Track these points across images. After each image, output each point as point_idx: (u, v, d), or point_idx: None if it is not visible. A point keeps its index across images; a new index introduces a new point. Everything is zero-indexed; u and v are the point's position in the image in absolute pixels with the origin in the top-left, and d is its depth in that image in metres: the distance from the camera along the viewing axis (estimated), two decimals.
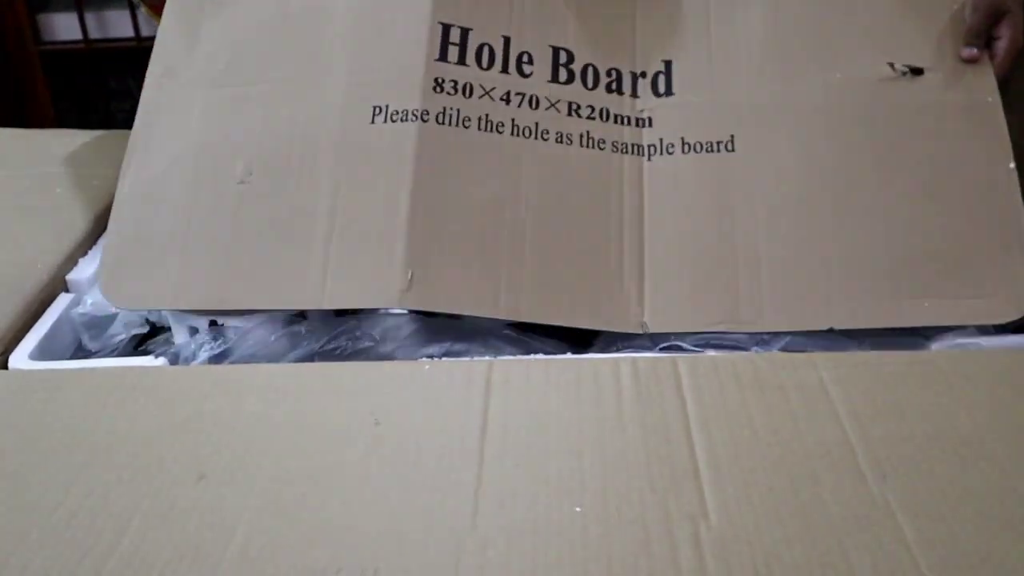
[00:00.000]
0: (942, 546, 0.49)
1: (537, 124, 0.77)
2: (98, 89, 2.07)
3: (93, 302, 0.77)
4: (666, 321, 0.70)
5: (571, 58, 0.80)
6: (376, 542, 0.51)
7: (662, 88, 0.80)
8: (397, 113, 0.76)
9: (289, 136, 0.77)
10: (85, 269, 0.80)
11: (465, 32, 0.79)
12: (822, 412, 0.58)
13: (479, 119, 0.76)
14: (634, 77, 0.81)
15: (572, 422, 0.58)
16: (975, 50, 0.77)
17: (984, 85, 0.76)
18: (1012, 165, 0.72)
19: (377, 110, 0.76)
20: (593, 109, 0.78)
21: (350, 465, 0.56)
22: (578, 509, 0.52)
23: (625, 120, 0.79)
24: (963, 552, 0.48)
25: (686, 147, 0.77)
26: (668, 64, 0.81)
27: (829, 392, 0.59)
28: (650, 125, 0.79)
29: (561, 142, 0.77)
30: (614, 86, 0.80)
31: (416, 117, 0.75)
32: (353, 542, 0.51)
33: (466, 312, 0.71)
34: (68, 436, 0.59)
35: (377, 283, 0.71)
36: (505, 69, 0.79)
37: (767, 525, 0.50)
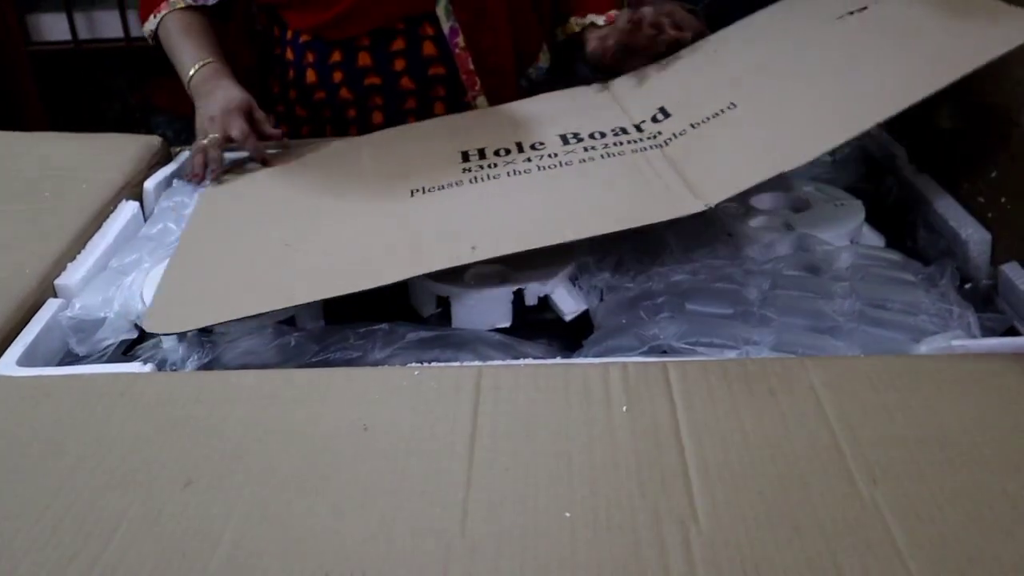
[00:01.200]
0: (932, 549, 0.49)
1: (560, 162, 0.86)
2: (88, 89, 2.06)
3: (82, 305, 0.77)
4: (722, 189, 0.73)
5: (577, 134, 0.91)
6: (364, 548, 0.50)
7: (661, 118, 0.90)
8: (434, 187, 0.86)
9: (331, 218, 0.84)
10: (74, 274, 0.80)
11: (481, 149, 0.92)
12: (812, 415, 0.58)
13: (507, 172, 0.86)
14: (636, 126, 0.91)
15: (561, 427, 0.58)
16: None
17: None
18: None
19: (415, 191, 0.86)
20: (607, 145, 0.88)
21: (338, 471, 0.56)
22: (567, 514, 0.52)
23: (636, 140, 0.87)
24: (953, 555, 0.48)
25: (695, 125, 0.85)
26: (661, 107, 0.92)
27: (819, 395, 0.59)
28: (660, 134, 0.87)
29: (585, 163, 0.85)
30: (620, 132, 0.90)
31: (452, 186, 0.85)
32: (340, 548, 0.50)
33: (537, 244, 0.73)
34: (55, 442, 0.59)
35: (444, 255, 0.73)
36: (522, 151, 0.90)
37: (757, 529, 0.50)
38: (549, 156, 0.87)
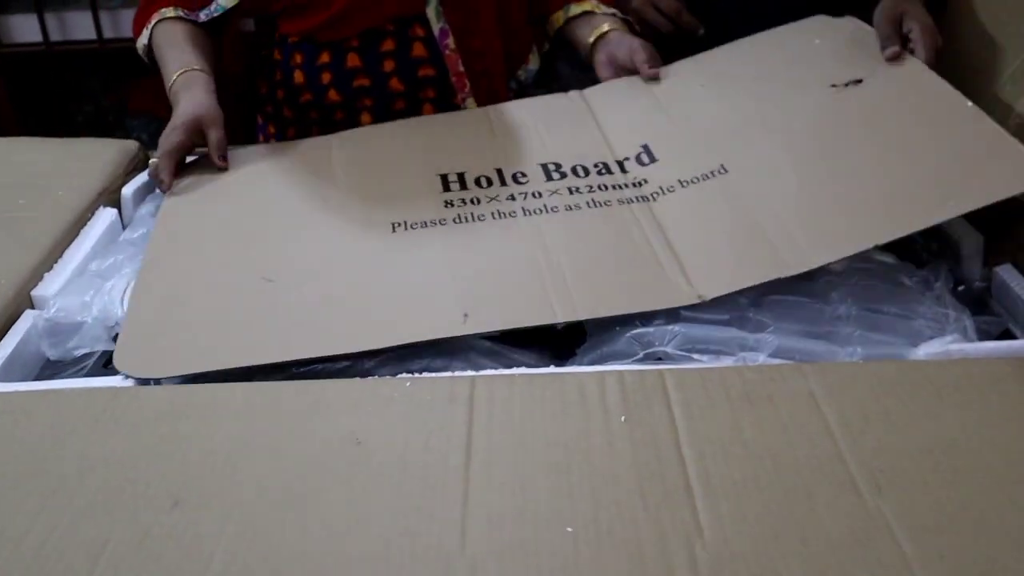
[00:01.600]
0: (941, 560, 0.48)
1: (545, 205, 0.83)
2: (60, 92, 2.02)
3: (59, 307, 0.75)
4: (718, 286, 0.71)
5: (559, 166, 0.89)
6: (361, 568, 0.49)
7: (646, 160, 0.88)
8: (416, 224, 0.82)
9: (309, 250, 0.81)
10: (51, 284, 0.78)
11: (461, 174, 0.89)
12: (813, 424, 0.57)
13: (492, 213, 0.83)
14: (619, 163, 0.88)
15: (559, 439, 0.57)
16: (895, 48, 0.88)
17: (916, 68, 0.87)
18: (970, 104, 0.80)
19: (396, 225, 0.82)
20: (591, 187, 0.86)
21: (331, 488, 0.54)
22: (569, 530, 0.50)
23: (622, 186, 0.85)
24: (963, 566, 0.48)
25: (684, 183, 0.83)
26: (645, 146, 0.89)
27: (819, 403, 0.58)
28: (646, 183, 0.85)
29: (571, 210, 0.82)
30: (603, 171, 0.87)
31: (435, 223, 0.82)
32: (336, 568, 0.49)
33: (526, 324, 0.71)
34: (36, 461, 0.57)
35: (434, 321, 0.71)
36: (504, 183, 0.87)
37: (763, 542, 0.49)
38: (533, 196, 0.84)
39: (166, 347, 0.70)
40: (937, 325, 0.68)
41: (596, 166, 0.88)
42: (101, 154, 0.97)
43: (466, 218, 0.82)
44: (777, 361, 0.66)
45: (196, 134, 0.93)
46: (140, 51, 1.05)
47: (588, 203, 0.83)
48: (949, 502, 0.51)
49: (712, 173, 0.82)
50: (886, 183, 0.76)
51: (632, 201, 0.82)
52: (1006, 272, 0.73)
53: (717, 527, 0.50)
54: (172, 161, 0.91)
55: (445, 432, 0.58)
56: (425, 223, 0.82)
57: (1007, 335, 0.71)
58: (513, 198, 0.84)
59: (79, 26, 1.83)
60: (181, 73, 0.97)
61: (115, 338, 0.75)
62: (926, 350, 0.65)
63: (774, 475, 0.53)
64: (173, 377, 0.67)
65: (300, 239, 0.82)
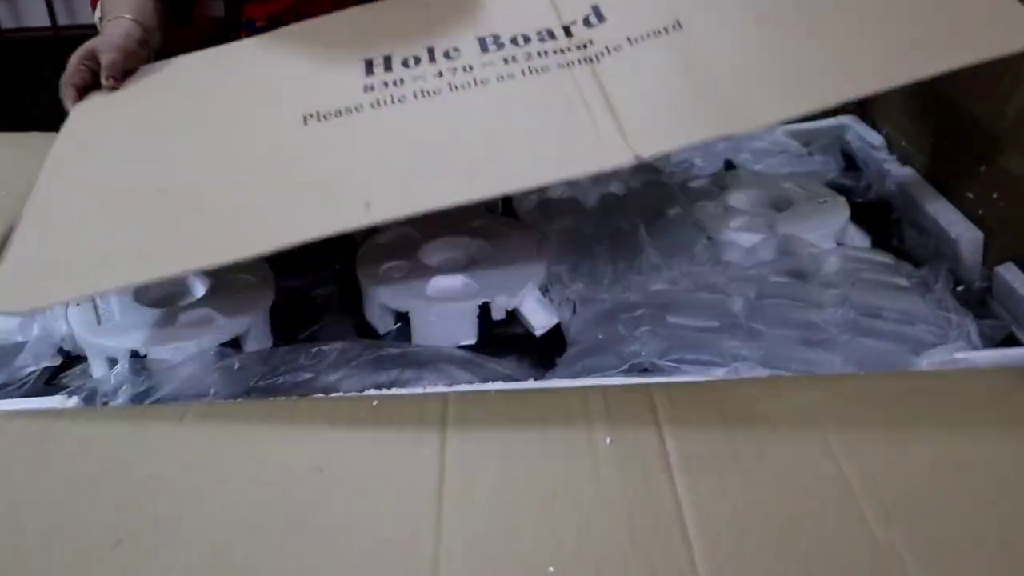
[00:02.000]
0: None
1: (475, 79, 0.74)
2: (14, 82, 1.95)
3: None
4: (655, 143, 0.64)
5: (497, 38, 0.78)
6: None
7: (595, 21, 0.77)
8: (329, 113, 0.73)
9: (210, 155, 0.73)
10: None
11: (388, 56, 0.79)
12: (814, 444, 0.52)
13: (414, 93, 0.74)
14: (565, 28, 0.78)
15: (539, 464, 0.52)
16: None
17: None
18: None
19: (308, 117, 0.74)
20: (530, 55, 0.75)
21: (289, 522, 0.49)
22: (551, 569, 0.46)
23: (564, 50, 0.75)
24: None
25: (632, 41, 0.73)
26: (595, 7, 0.79)
27: (819, 420, 0.54)
28: (591, 44, 0.75)
29: (503, 80, 0.73)
30: (546, 37, 0.77)
31: (350, 111, 0.73)
32: None
33: (442, 204, 0.63)
34: None
35: (334, 214, 0.64)
36: (433, 60, 0.77)
37: None
38: (463, 70, 0.75)
39: (48, 276, 0.64)
40: (939, 330, 0.64)
41: (539, 33, 0.78)
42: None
43: (385, 102, 0.74)
44: (772, 372, 0.61)
45: (92, 61, 0.88)
46: (98, 26, 1.00)
47: (523, 71, 0.74)
48: (964, 529, 0.47)
49: (665, 29, 0.73)
50: (861, 38, 0.68)
51: (573, 64, 0.73)
52: (1008, 271, 0.69)
53: (713, 562, 0.46)
54: (70, 91, 0.87)
55: (415, 456, 0.53)
56: (339, 111, 0.74)
57: (1011, 339, 0.67)
58: (441, 74, 0.75)
59: (32, 12, 1.76)
60: (108, 22, 0.93)
61: (60, 351, 0.71)
62: (929, 359, 0.61)
63: (774, 503, 0.49)
64: (120, 397, 0.62)
65: (203, 144, 0.75)
